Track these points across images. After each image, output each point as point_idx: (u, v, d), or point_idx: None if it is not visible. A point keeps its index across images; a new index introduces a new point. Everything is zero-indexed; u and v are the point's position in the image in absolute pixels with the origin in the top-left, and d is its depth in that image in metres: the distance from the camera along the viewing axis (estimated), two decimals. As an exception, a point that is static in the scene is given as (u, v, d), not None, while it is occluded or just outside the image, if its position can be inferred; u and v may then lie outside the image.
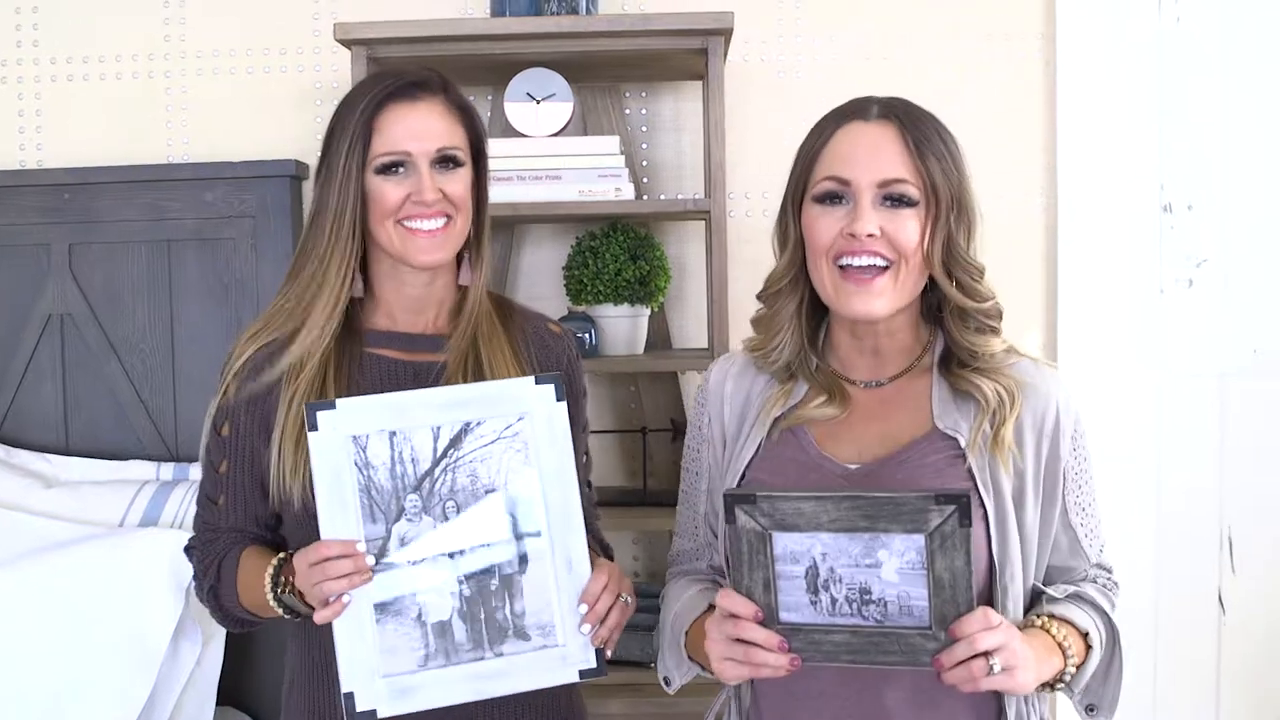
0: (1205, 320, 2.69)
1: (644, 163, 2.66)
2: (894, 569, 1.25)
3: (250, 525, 1.59)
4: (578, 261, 2.43)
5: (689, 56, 2.37)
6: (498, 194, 1.91)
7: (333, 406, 1.42)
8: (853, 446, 1.43)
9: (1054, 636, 1.35)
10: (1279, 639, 2.71)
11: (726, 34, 2.27)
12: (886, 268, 1.38)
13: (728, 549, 1.31)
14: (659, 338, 2.62)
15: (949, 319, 1.43)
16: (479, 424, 1.44)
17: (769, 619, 1.29)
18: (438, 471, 1.43)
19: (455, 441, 1.44)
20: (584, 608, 1.43)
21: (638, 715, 2.20)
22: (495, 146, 1.87)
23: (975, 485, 1.36)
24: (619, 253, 2.40)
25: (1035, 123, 2.66)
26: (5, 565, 2.14)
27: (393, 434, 1.42)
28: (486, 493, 1.44)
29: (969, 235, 1.40)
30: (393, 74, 1.56)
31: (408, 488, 1.42)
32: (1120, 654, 1.42)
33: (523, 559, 1.44)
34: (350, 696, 1.40)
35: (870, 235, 1.36)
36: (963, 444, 1.38)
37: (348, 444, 1.41)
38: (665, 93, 2.68)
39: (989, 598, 1.35)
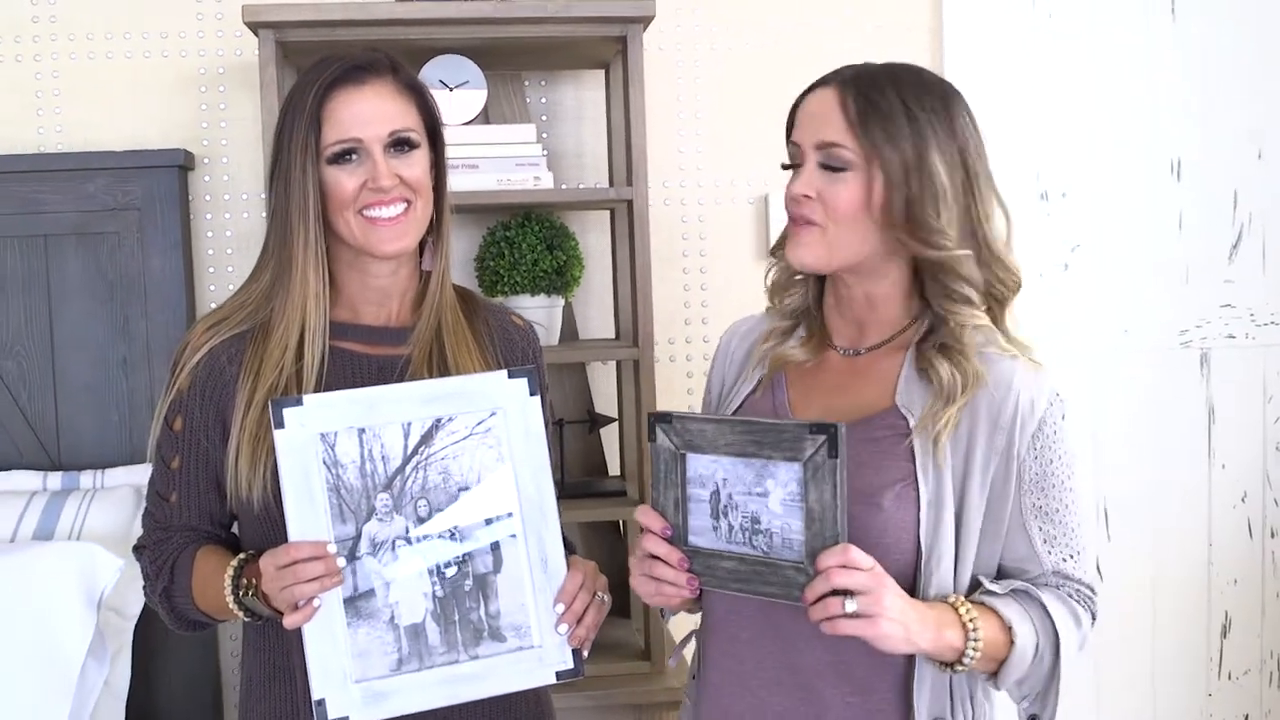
0: (1080, 302, 2.82)
1: (545, 152, 2.63)
2: (779, 500, 1.27)
3: (204, 524, 1.52)
4: (493, 253, 2.39)
5: (596, 45, 2.35)
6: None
7: (300, 403, 1.36)
8: (819, 414, 1.43)
9: (960, 614, 1.31)
10: (1149, 600, 2.87)
11: (646, 21, 2.25)
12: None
13: (652, 467, 1.38)
14: (566, 329, 2.59)
15: (927, 284, 1.41)
16: (451, 420, 1.40)
17: (678, 539, 1.33)
18: (409, 469, 1.38)
19: (426, 438, 1.39)
20: (560, 607, 1.41)
21: (570, 710, 2.17)
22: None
23: (915, 467, 1.35)
24: (535, 243, 2.37)
25: (924, 113, 2.73)
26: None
27: (362, 431, 1.37)
28: (459, 490, 1.40)
29: (937, 202, 1.35)
30: (337, 58, 1.49)
31: (378, 486, 1.37)
32: (1059, 664, 1.37)
33: (497, 558, 1.41)
34: (322, 703, 1.34)
35: (805, 196, 1.38)
36: (912, 424, 1.37)
37: (316, 442, 1.36)
38: (566, 82, 2.65)
39: (914, 583, 1.33)
